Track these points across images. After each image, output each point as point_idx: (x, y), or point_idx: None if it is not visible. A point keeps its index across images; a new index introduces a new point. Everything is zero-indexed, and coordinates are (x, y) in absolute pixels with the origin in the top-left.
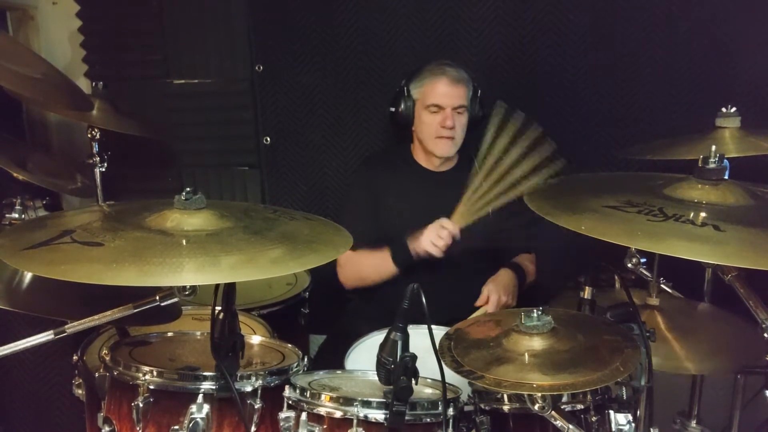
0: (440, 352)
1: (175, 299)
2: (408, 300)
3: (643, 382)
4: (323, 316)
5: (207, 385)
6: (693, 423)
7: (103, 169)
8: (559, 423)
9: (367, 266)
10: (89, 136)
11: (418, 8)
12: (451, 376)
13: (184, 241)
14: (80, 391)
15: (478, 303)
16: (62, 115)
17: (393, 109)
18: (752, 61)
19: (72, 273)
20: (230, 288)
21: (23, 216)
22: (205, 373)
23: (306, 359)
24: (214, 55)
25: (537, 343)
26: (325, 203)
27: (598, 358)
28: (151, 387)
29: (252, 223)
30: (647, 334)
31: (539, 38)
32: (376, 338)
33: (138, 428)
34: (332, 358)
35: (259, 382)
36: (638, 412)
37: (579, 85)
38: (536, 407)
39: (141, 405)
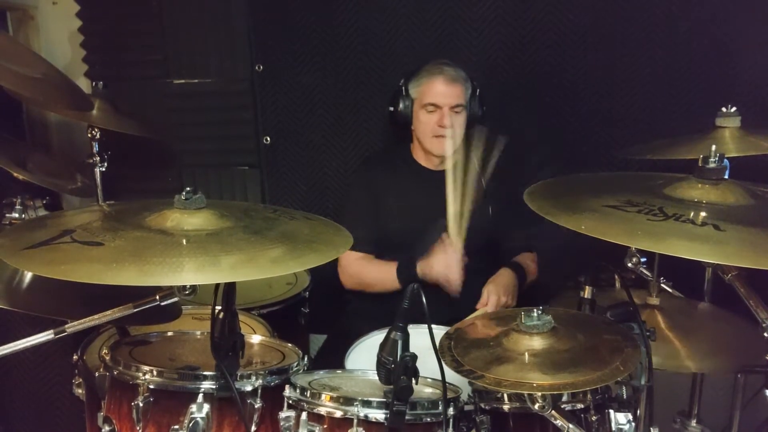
0: (440, 352)
1: (175, 299)
2: (408, 300)
3: (643, 382)
4: (323, 315)
5: (207, 385)
6: (693, 423)
7: (103, 169)
8: (559, 422)
9: (371, 276)
10: (89, 136)
11: (418, 8)
12: (451, 376)
13: (184, 241)
14: (80, 391)
15: (478, 305)
16: (62, 115)
17: (392, 109)
18: (752, 61)
19: (72, 273)
20: (230, 288)
21: (23, 216)
22: (205, 373)
23: (306, 359)
24: (214, 55)
25: (537, 343)
26: (325, 203)
27: (598, 358)
28: (151, 386)
29: (252, 223)
30: (647, 333)
31: (539, 38)
32: (376, 338)
33: (138, 428)
34: (332, 357)
35: (259, 381)
36: (638, 412)
37: (579, 86)
38: (536, 407)
39: (141, 405)
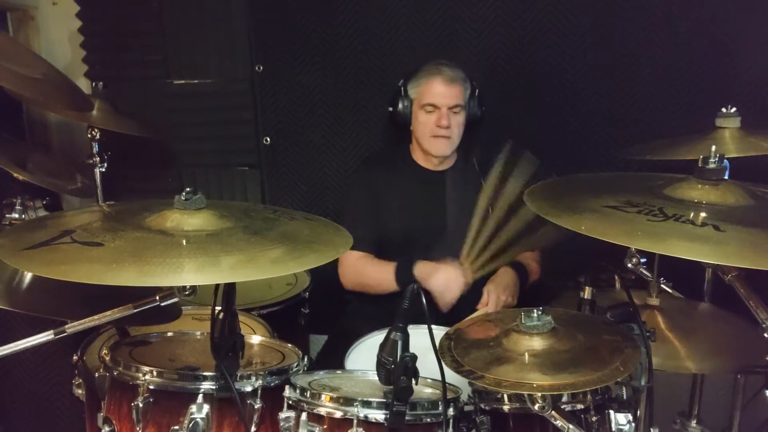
0: (440, 352)
1: (175, 299)
2: (408, 300)
3: (643, 382)
4: (323, 316)
5: (207, 385)
6: (693, 423)
7: (103, 169)
8: (559, 423)
9: (370, 276)
10: (89, 136)
11: (418, 8)
12: (451, 376)
13: (184, 241)
14: (80, 391)
15: (479, 305)
16: (62, 115)
17: (391, 109)
18: (752, 61)
19: (72, 273)
20: (230, 288)
21: (23, 216)
22: (205, 373)
23: (306, 359)
24: (214, 55)
25: (537, 343)
26: (325, 203)
27: (598, 358)
28: (151, 387)
29: (252, 223)
30: (647, 334)
31: (539, 38)
32: (376, 338)
33: (138, 428)
34: (332, 358)
35: (259, 382)
36: (638, 412)
37: (579, 86)
38: (536, 407)
39: (141, 405)
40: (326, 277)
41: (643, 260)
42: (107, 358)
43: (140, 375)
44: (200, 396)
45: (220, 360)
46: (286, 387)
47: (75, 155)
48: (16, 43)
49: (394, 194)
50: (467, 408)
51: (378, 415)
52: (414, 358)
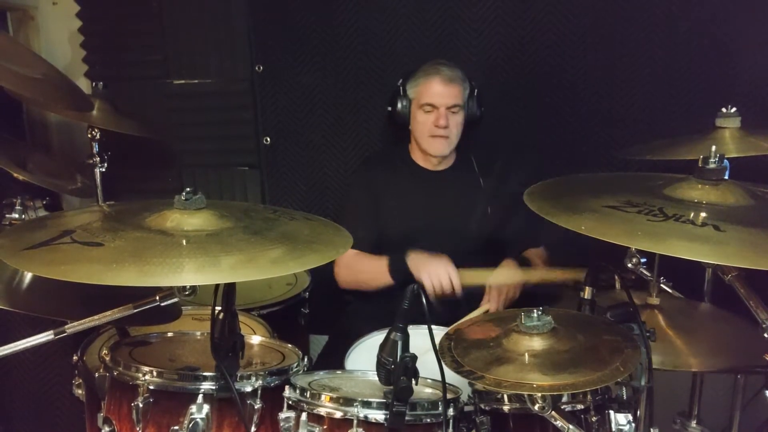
0: (440, 352)
1: (175, 299)
2: (408, 300)
3: (643, 382)
4: (323, 316)
5: (207, 386)
6: (693, 423)
7: (103, 169)
8: (559, 423)
9: (365, 272)
10: (89, 136)
11: (418, 8)
12: (451, 377)
13: (184, 241)
14: (80, 391)
15: (483, 302)
16: (62, 115)
17: (390, 109)
18: (752, 61)
19: (72, 273)
20: (230, 288)
21: (23, 216)
22: (205, 374)
23: (306, 359)
24: (214, 55)
25: (537, 343)
26: (325, 203)
27: (598, 358)
28: (151, 387)
29: (252, 223)
30: (647, 334)
31: (539, 38)
32: (376, 338)
33: (138, 428)
34: (332, 358)
35: (259, 382)
36: (638, 412)
37: (578, 86)
38: (536, 407)
39: (141, 405)
40: (326, 277)
41: (643, 260)
42: (107, 358)
43: (140, 375)
44: (200, 396)
45: (220, 360)
46: (286, 387)
47: (75, 155)
48: (16, 43)
49: (393, 194)
50: (467, 408)
51: (378, 416)
52: (414, 358)
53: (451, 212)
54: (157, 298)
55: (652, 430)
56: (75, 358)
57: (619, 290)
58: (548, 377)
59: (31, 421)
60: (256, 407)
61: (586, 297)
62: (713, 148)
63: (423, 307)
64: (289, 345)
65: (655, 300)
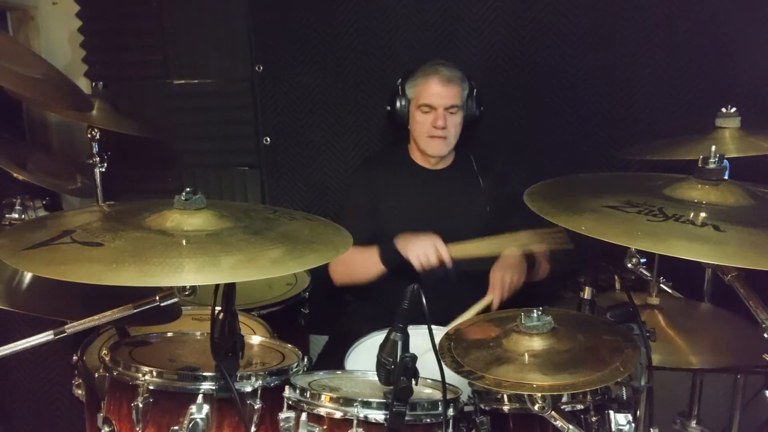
0: (440, 353)
1: (175, 299)
2: (408, 300)
3: (643, 382)
4: (323, 316)
5: (207, 386)
6: (693, 423)
7: (103, 169)
8: (559, 423)
9: (357, 263)
10: (89, 136)
11: (418, 8)
12: (451, 377)
13: (184, 241)
14: (80, 392)
15: (489, 293)
16: (62, 115)
17: (389, 108)
18: (752, 61)
19: (72, 273)
20: (230, 288)
21: (23, 216)
22: (204, 374)
23: (306, 359)
24: (214, 55)
25: (537, 343)
26: (325, 203)
27: (598, 358)
28: (151, 387)
29: (252, 223)
30: (647, 334)
31: (539, 38)
32: (376, 338)
33: (138, 428)
34: (332, 358)
35: (259, 382)
36: (638, 412)
37: (578, 86)
38: (536, 407)
39: (141, 405)
40: (326, 277)
41: (643, 260)
42: (107, 359)
43: (140, 375)
44: (200, 396)
45: (220, 360)
46: (286, 387)
47: (75, 155)
48: (16, 43)
49: (393, 194)
50: (467, 408)
51: (378, 416)
52: (414, 358)
53: (450, 211)
54: (157, 298)
55: (652, 430)
56: (75, 358)
57: (619, 290)
58: (548, 377)
59: (31, 421)
60: (256, 407)
61: (586, 297)
62: (713, 148)
63: (423, 307)
64: (289, 345)
65: (655, 300)
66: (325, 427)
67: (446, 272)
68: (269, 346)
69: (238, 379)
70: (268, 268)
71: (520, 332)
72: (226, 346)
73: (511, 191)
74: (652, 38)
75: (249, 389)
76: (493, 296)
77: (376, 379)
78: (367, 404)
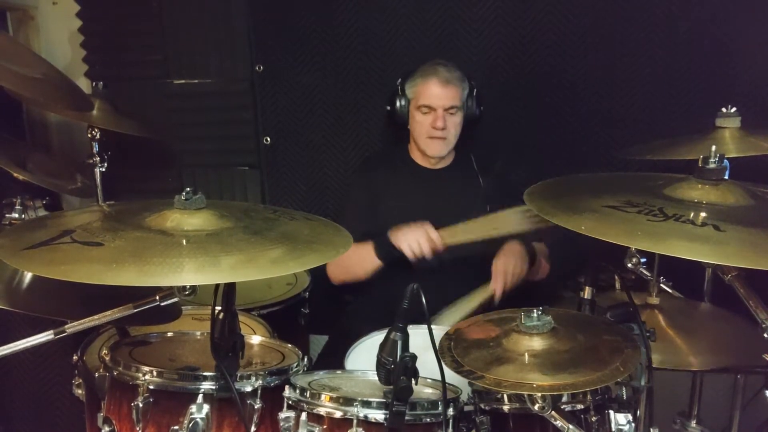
0: (440, 352)
1: (175, 299)
2: (408, 300)
3: (643, 382)
4: (323, 316)
5: (207, 385)
6: (693, 423)
7: (103, 169)
8: (559, 423)
9: (352, 258)
10: (89, 136)
11: (418, 8)
12: (451, 376)
13: (184, 241)
14: (80, 391)
15: (491, 285)
16: (62, 115)
17: (389, 108)
18: (752, 61)
19: (72, 273)
20: (230, 288)
21: (23, 216)
22: (205, 373)
23: (306, 359)
24: (214, 55)
25: (537, 343)
26: (325, 203)
27: (598, 358)
28: (151, 387)
29: (252, 223)
30: (647, 333)
31: (539, 38)
32: (376, 338)
33: (138, 428)
34: (332, 358)
35: (259, 382)
36: (638, 412)
37: (578, 86)
38: (536, 407)
39: (141, 405)
40: (326, 276)
41: (643, 260)
42: (107, 358)
43: (140, 375)
44: (200, 396)
45: (220, 360)
46: (286, 387)
47: (75, 155)
48: (16, 43)
49: (393, 194)
50: (467, 408)
51: (378, 415)
52: (414, 358)
53: (450, 211)
54: (157, 298)
55: (652, 430)
56: (75, 358)
57: (619, 290)
58: (548, 377)
59: (31, 421)
60: (256, 407)
61: (586, 297)
62: (713, 148)
63: (423, 307)
64: (289, 345)
65: (655, 300)
66: (324, 426)
67: (440, 259)
68: (269, 346)
69: (238, 379)
70: (268, 268)
71: (520, 332)
72: (226, 345)
73: (510, 191)
74: (652, 38)
75: (249, 389)
76: (495, 287)
77: (376, 378)
78: (367, 404)
